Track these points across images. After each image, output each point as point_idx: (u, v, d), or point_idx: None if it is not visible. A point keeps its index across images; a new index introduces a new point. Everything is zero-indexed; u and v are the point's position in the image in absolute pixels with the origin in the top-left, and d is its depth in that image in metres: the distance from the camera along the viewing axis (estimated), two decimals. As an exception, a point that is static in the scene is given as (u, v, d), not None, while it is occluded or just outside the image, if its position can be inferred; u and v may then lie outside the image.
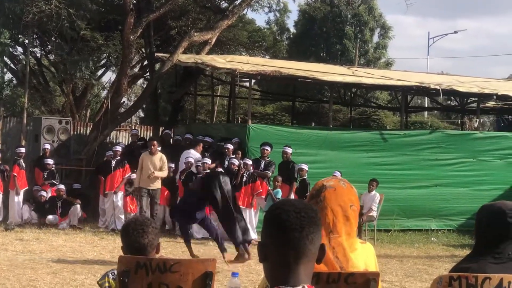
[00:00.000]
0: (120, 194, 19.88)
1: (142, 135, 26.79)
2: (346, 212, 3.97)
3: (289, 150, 19.52)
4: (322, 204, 3.94)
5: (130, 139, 25.41)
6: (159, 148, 19.10)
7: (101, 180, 20.29)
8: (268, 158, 19.57)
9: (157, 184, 18.70)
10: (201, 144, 20.61)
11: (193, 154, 19.90)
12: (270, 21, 50.03)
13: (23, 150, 20.68)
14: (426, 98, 43.52)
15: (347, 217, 3.97)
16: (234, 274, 5.02)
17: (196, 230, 18.94)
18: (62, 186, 19.95)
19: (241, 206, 18.72)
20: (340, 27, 45.36)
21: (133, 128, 27.64)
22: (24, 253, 14.66)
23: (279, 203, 2.84)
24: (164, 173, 18.75)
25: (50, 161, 20.58)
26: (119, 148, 20.47)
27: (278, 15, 48.54)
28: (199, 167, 19.15)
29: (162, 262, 4.60)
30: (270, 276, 2.79)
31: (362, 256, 3.99)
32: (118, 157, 20.06)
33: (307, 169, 19.10)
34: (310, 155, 20.54)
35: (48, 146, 21.27)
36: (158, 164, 18.50)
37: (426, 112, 45.37)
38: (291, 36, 49.73)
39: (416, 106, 43.55)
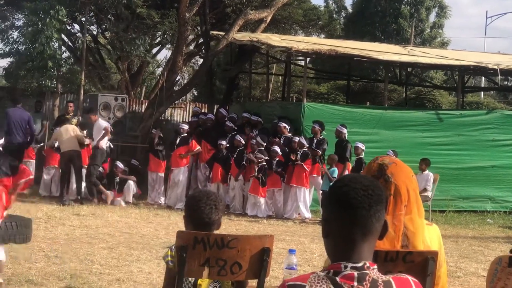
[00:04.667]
0: (183, 169, 20.06)
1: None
2: (413, 185, 3.95)
3: (344, 130, 19.43)
4: (392, 180, 3.91)
5: (191, 116, 25.40)
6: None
7: (150, 157, 20.48)
8: (321, 136, 19.51)
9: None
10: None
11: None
12: (328, -1, 49.88)
13: None
14: (483, 78, 43.02)
15: (414, 189, 3.95)
16: (291, 251, 5.04)
17: (250, 208, 19.06)
18: (120, 164, 20.12)
19: (293, 185, 18.83)
20: (396, 6, 44.92)
21: (195, 106, 27.65)
22: (81, 228, 14.84)
23: (346, 180, 2.81)
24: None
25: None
26: (185, 126, 20.54)
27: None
28: (254, 145, 19.25)
29: (220, 237, 4.62)
30: (333, 252, 2.78)
31: (427, 237, 3.97)
32: (184, 134, 20.14)
33: (363, 148, 18.98)
34: (365, 134, 20.45)
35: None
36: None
37: (482, 92, 44.84)
38: (348, 15, 49.41)
39: (472, 86, 43.05)
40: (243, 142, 19.77)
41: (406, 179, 3.93)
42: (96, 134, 19.53)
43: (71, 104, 21.81)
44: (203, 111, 25.60)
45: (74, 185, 19.63)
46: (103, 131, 19.29)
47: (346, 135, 19.43)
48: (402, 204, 3.88)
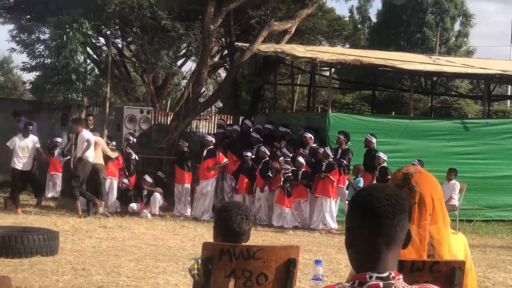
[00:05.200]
0: (211, 181, 20.09)
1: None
2: (438, 194, 3.94)
3: (373, 139, 19.37)
4: (416, 189, 3.90)
5: (215, 128, 25.48)
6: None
7: (176, 169, 20.51)
8: (346, 146, 19.47)
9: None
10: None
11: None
12: (353, 9, 49.97)
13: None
14: (509, 86, 42.77)
15: (439, 199, 3.94)
16: (317, 262, 5.03)
17: (276, 219, 19.05)
18: (147, 178, 20.16)
19: (319, 195, 18.82)
20: (421, 15, 44.82)
21: (219, 118, 27.71)
22: (107, 240, 14.89)
23: (368, 189, 2.81)
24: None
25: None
26: (210, 138, 20.55)
27: (361, 2, 48.35)
28: (279, 156, 19.29)
29: (245, 248, 4.62)
30: (357, 262, 2.77)
31: (453, 246, 3.95)
32: (211, 147, 20.15)
33: (384, 158, 18.89)
34: (391, 144, 20.39)
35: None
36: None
37: (509, 100, 44.58)
38: (372, 25, 49.39)
39: (498, 94, 42.82)
40: (268, 153, 19.76)
41: (431, 188, 3.92)
42: (79, 146, 19.36)
43: (91, 118, 21.93)
44: (228, 122, 25.67)
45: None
46: (86, 143, 19.19)
47: (375, 145, 19.37)
48: (427, 213, 3.86)
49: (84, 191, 18.97)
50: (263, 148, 19.77)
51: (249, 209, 4.96)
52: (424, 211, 3.86)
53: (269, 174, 19.42)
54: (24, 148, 19.18)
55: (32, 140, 19.32)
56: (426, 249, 3.84)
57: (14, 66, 57.70)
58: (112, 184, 20.10)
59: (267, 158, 19.68)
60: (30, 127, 19.50)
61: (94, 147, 18.94)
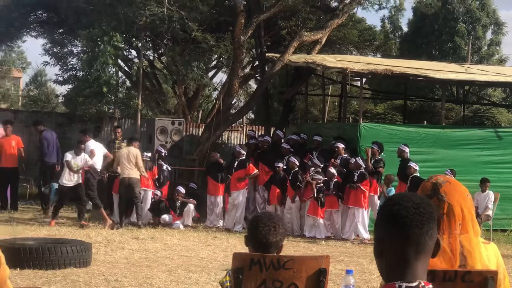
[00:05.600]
0: (242, 192, 20.11)
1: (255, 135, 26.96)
2: (468, 204, 3.93)
3: (406, 149, 19.28)
4: (445, 199, 3.89)
5: (247, 140, 25.53)
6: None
7: (209, 180, 20.52)
8: (379, 157, 19.42)
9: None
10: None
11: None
12: (384, 19, 49.88)
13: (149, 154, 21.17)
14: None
15: (469, 208, 3.92)
16: (348, 272, 5.01)
17: (308, 229, 19.03)
18: (181, 189, 20.20)
19: (351, 206, 18.79)
20: (452, 25, 44.63)
21: (250, 129, 27.77)
22: (140, 251, 14.94)
23: (396, 198, 2.80)
24: None
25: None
26: (241, 149, 20.56)
27: (392, 12, 48.25)
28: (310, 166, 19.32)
29: (276, 259, 4.61)
30: (386, 271, 2.77)
31: (485, 255, 3.93)
32: (242, 158, 20.17)
33: (416, 167, 18.71)
34: (422, 153, 20.29)
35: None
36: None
37: (542, 109, 44.21)
38: (403, 34, 49.27)
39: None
40: (297, 163, 19.72)
41: (460, 198, 3.91)
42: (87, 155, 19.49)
43: (119, 130, 22.08)
44: (259, 133, 25.70)
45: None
46: (89, 153, 19.33)
47: (408, 155, 19.26)
48: (456, 223, 3.85)
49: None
50: (293, 159, 19.75)
51: (281, 220, 4.90)
52: (454, 221, 3.85)
53: (299, 184, 19.40)
54: (74, 165, 19.08)
55: (83, 159, 19.18)
56: (458, 259, 3.83)
57: (47, 79, 58.37)
58: (146, 195, 20.17)
59: (297, 169, 19.65)
60: (82, 146, 19.46)
61: (130, 160, 19.01)
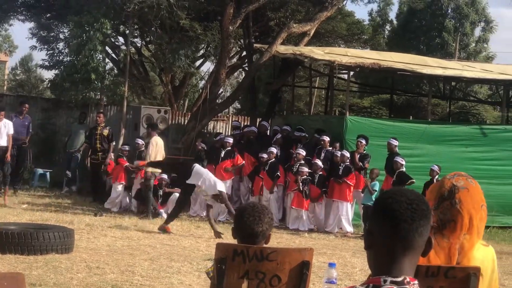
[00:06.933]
0: (228, 182, 20.07)
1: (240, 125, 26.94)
2: (480, 215, 3.92)
3: (394, 142, 19.29)
4: (457, 207, 3.88)
5: (231, 130, 25.52)
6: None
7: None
8: (364, 151, 19.43)
9: None
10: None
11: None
12: (373, 12, 49.93)
13: (127, 148, 21.11)
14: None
15: (481, 219, 3.92)
16: (331, 265, 5.00)
17: (291, 221, 19.03)
18: (165, 176, 20.18)
19: (335, 199, 18.81)
20: (440, 20, 44.69)
21: (235, 120, 27.77)
22: (122, 239, 14.89)
23: (391, 192, 2.78)
24: None
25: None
26: (230, 140, 20.52)
27: (381, 6, 48.30)
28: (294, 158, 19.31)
29: (259, 250, 4.60)
30: (373, 264, 2.75)
31: (481, 256, 3.94)
32: (228, 148, 20.14)
33: (402, 162, 18.73)
34: (408, 148, 20.30)
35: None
36: None
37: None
38: (392, 28, 49.32)
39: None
40: (275, 153, 19.70)
41: (473, 208, 3.90)
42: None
43: (101, 115, 21.96)
44: (245, 123, 25.68)
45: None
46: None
47: (397, 148, 19.26)
48: (461, 233, 3.86)
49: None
50: (272, 149, 19.72)
51: (266, 210, 4.85)
52: (459, 229, 3.85)
53: (278, 174, 19.40)
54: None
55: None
56: (455, 262, 3.84)
57: (34, 65, 58.12)
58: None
59: (274, 160, 19.61)
60: None
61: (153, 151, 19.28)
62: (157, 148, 19.41)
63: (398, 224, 2.68)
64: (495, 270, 4.00)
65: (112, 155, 21.21)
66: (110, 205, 19.98)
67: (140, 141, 20.77)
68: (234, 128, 23.54)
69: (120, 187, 20.22)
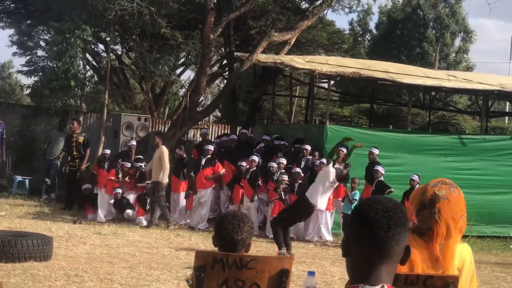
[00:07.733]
0: (210, 190, 20.05)
1: (219, 134, 26.91)
2: (458, 225, 3.95)
3: (376, 151, 19.34)
4: (436, 217, 3.91)
5: (200, 138, 25.52)
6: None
7: (172, 178, 20.41)
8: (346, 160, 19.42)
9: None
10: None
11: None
12: (353, 22, 50.06)
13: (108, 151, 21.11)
14: (507, 103, 42.79)
15: (460, 230, 3.95)
16: (310, 273, 5.00)
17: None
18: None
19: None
20: (421, 30, 44.89)
21: (203, 127, 27.73)
22: (101, 247, 14.85)
23: (369, 200, 2.79)
24: None
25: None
26: (210, 147, 20.45)
27: (361, 16, 48.44)
28: (272, 168, 19.27)
29: (238, 258, 4.59)
30: (351, 272, 2.75)
31: (461, 253, 3.98)
32: (209, 156, 20.09)
33: (382, 171, 18.78)
34: (388, 157, 20.33)
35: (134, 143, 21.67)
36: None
37: (507, 117, 44.62)
38: (372, 38, 49.47)
39: (496, 111, 42.84)
40: (256, 162, 19.69)
41: (451, 219, 3.93)
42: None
43: (74, 122, 21.93)
44: (225, 131, 25.67)
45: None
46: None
47: (377, 157, 19.29)
48: (437, 244, 3.89)
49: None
50: (254, 157, 19.70)
51: (246, 218, 4.85)
52: (436, 238, 3.88)
53: (259, 183, 19.38)
54: None
55: None
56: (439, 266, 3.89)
57: (14, 72, 57.89)
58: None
59: (255, 168, 19.60)
60: None
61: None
62: (168, 157, 19.43)
63: (375, 231, 2.68)
64: (472, 264, 4.05)
65: (86, 160, 21.27)
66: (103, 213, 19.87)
67: (133, 142, 20.88)
68: (204, 135, 23.37)
69: (107, 196, 20.14)
